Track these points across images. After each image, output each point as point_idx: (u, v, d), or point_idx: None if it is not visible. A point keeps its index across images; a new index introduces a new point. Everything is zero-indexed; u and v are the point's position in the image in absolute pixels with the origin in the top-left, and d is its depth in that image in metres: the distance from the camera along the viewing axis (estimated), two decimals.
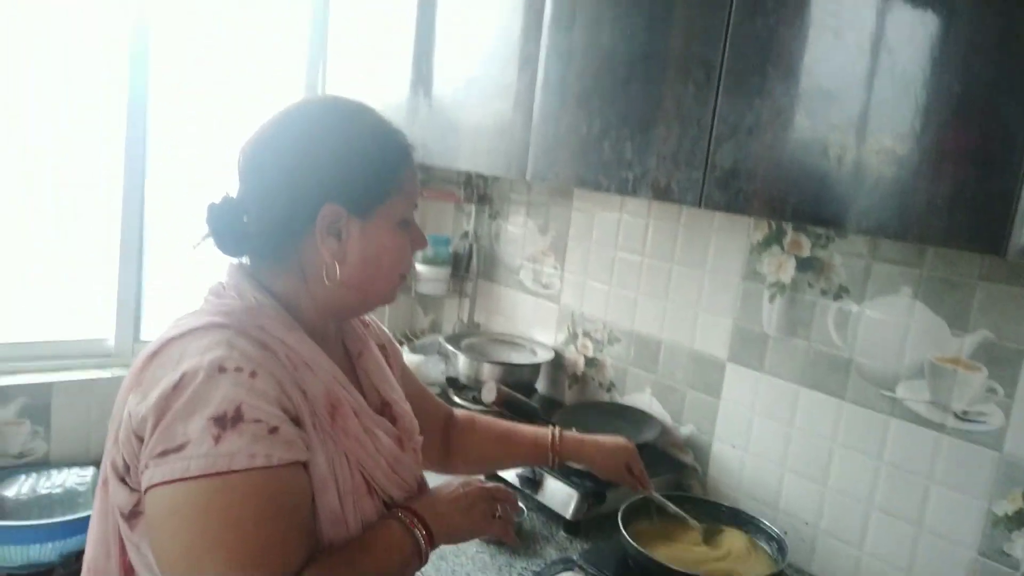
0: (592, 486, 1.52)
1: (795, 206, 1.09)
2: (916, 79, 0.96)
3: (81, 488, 1.77)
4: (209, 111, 2.11)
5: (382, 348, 1.13)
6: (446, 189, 2.26)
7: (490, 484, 1.03)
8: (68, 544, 1.68)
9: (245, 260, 0.96)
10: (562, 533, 1.53)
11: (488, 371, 1.90)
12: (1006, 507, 1.23)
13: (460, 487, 1.00)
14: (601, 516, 1.55)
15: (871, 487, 1.40)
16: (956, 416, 1.29)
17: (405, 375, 1.20)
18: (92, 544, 0.91)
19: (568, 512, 1.52)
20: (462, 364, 1.95)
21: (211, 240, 0.92)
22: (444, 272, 2.23)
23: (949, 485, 1.30)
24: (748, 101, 1.14)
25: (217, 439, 0.75)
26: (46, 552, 1.65)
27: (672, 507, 1.37)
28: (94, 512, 0.91)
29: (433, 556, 1.37)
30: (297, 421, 0.82)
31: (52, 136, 1.93)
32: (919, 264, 1.33)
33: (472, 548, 1.43)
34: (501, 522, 1.01)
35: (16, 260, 1.99)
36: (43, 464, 1.89)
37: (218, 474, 0.74)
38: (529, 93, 1.52)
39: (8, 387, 1.85)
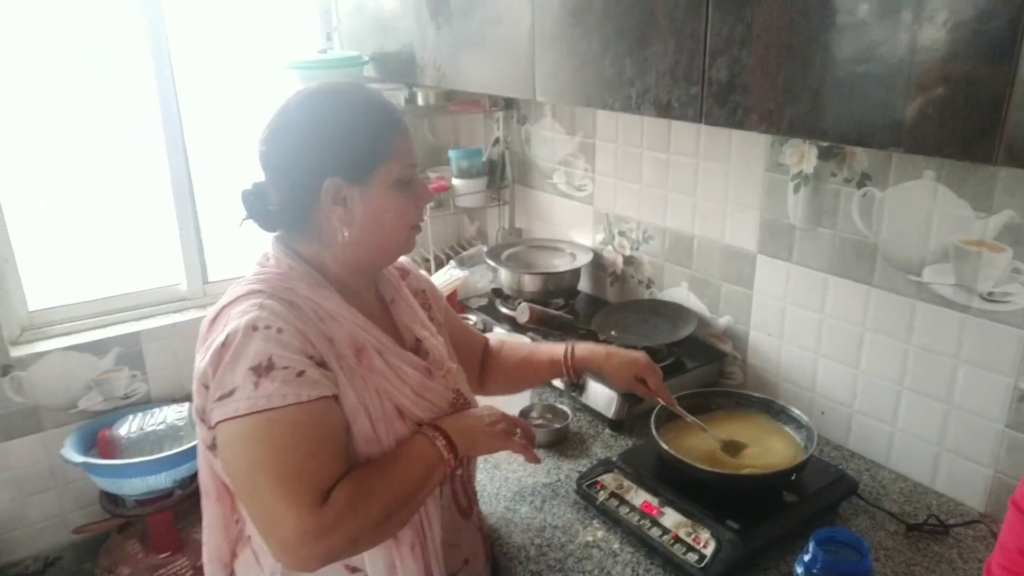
0: None
1: (791, 119, 1.07)
2: None
3: (180, 423, 2.00)
4: (230, 75, 2.18)
5: (420, 293, 1.28)
6: (472, 99, 2.25)
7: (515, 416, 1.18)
8: (179, 471, 1.93)
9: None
10: (607, 431, 1.64)
11: (529, 281, 1.96)
12: None
13: (486, 409, 1.16)
14: (644, 413, 1.64)
15: (901, 369, 1.44)
16: (982, 297, 1.29)
17: (448, 316, 1.34)
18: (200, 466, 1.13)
19: (610, 412, 1.62)
20: (504, 277, 2.03)
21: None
22: (480, 183, 2.27)
23: (976, 364, 1.32)
24: (739, 11, 1.10)
25: (256, 384, 0.93)
26: (161, 480, 1.91)
27: (690, 417, 1.39)
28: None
29: (488, 465, 1.52)
30: (323, 364, 0.99)
31: (95, 118, 2.05)
32: None
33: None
34: (521, 441, 1.15)
35: (90, 229, 2.16)
36: (147, 403, 2.13)
37: (260, 411, 0.92)
38: (529, 12, 1.49)
39: (104, 340, 2.07)
